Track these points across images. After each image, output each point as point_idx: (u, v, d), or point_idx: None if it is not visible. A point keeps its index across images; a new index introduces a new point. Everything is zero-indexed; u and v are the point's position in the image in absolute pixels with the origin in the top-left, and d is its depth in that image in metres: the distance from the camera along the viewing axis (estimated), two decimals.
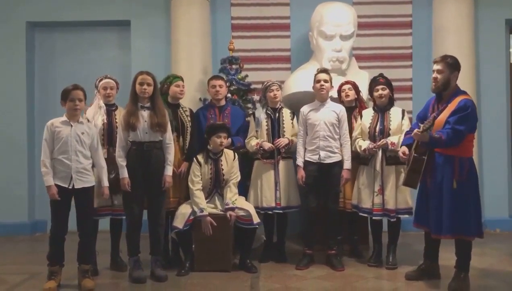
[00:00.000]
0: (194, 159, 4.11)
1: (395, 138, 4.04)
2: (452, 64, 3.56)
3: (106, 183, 3.78)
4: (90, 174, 3.70)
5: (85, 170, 3.66)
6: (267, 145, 4.31)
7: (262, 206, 4.31)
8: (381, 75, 4.27)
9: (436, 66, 3.59)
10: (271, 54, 5.81)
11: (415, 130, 3.47)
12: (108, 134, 4.01)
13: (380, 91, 4.16)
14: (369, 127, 4.19)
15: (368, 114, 4.28)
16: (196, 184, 4.06)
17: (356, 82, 4.58)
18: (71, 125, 3.65)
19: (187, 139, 4.24)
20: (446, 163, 3.49)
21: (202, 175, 4.10)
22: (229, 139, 4.29)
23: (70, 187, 3.59)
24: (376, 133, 4.13)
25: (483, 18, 5.81)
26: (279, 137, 4.35)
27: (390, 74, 5.40)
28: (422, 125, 3.42)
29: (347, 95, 4.46)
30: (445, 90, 3.58)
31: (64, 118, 3.68)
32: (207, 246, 4.02)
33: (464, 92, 3.59)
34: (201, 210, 3.98)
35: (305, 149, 4.23)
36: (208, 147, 4.11)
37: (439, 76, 3.56)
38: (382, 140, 4.06)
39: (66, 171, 3.60)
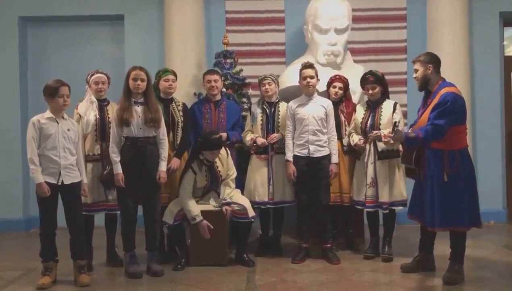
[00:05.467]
0: (190, 168, 4.04)
1: (388, 131, 4.01)
2: (425, 60, 3.68)
3: (86, 180, 3.77)
4: (76, 169, 3.69)
5: (72, 165, 3.66)
6: (260, 141, 4.31)
7: (255, 200, 4.31)
8: (370, 72, 4.26)
9: (414, 67, 3.75)
10: (266, 48, 5.79)
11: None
12: (101, 130, 3.99)
13: (370, 91, 4.19)
14: (361, 122, 4.22)
15: (361, 108, 4.30)
16: (187, 193, 4.01)
17: (351, 76, 4.58)
18: (57, 122, 3.62)
19: (178, 134, 4.20)
20: (435, 157, 3.53)
21: (197, 181, 4.06)
22: (225, 134, 4.28)
23: (59, 183, 3.58)
24: (367, 128, 4.15)
25: (477, 11, 5.81)
26: (273, 132, 4.34)
27: (385, 67, 5.46)
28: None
29: (336, 93, 4.44)
30: (427, 85, 3.68)
31: (49, 114, 3.64)
32: (203, 241, 4.02)
33: (449, 85, 3.62)
34: (194, 218, 3.95)
35: (294, 143, 4.22)
36: (200, 156, 4.05)
37: (416, 75, 3.71)
38: (375, 132, 4.05)
39: (55, 167, 3.58)
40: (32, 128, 3.59)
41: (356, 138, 4.22)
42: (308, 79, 4.17)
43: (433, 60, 3.68)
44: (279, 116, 4.38)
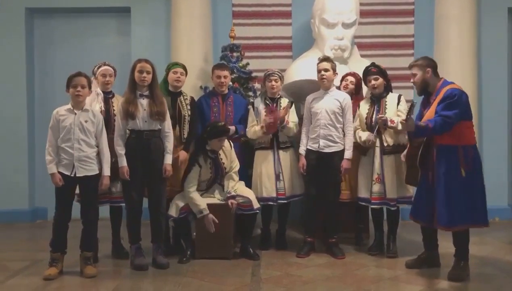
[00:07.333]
0: (195, 162, 4.05)
1: (395, 117, 3.95)
2: (422, 65, 3.65)
3: (107, 172, 3.74)
4: (94, 163, 3.67)
5: (88, 158, 3.64)
6: (267, 120, 4.19)
7: (262, 196, 4.30)
8: (372, 64, 4.23)
9: (411, 71, 3.71)
10: (273, 42, 5.78)
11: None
12: (106, 122, 3.95)
13: (373, 82, 4.14)
14: (366, 118, 4.18)
15: (365, 104, 4.27)
16: (192, 186, 4.02)
17: (357, 71, 4.55)
18: (75, 113, 3.63)
19: (185, 128, 4.21)
20: (450, 153, 3.50)
21: (202, 174, 4.07)
22: (233, 127, 4.29)
23: (72, 175, 3.60)
24: (373, 123, 4.11)
25: (486, 6, 5.79)
26: (277, 127, 4.31)
27: (392, 62, 5.46)
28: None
29: (346, 86, 4.44)
30: (427, 89, 3.66)
31: (69, 106, 3.66)
32: (208, 234, 4.03)
33: (451, 83, 3.61)
34: (201, 212, 3.97)
35: (308, 137, 4.22)
36: (207, 146, 4.06)
37: (414, 79, 3.68)
38: (381, 115, 3.97)
39: (69, 159, 3.59)
40: (51, 119, 3.64)
41: (364, 135, 4.14)
42: (323, 72, 4.14)
43: (431, 64, 3.66)
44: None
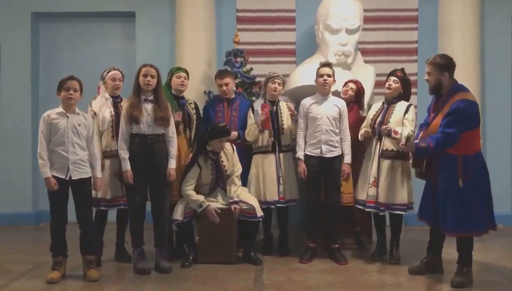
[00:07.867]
0: (195, 163, 4.07)
1: (400, 128, 3.95)
2: (440, 65, 3.54)
3: (99, 174, 3.77)
4: (87, 165, 3.70)
5: (82, 161, 3.66)
6: (263, 114, 4.22)
7: (265, 200, 4.30)
8: (402, 69, 4.20)
9: (426, 69, 3.61)
10: (276, 47, 5.80)
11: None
12: (117, 126, 3.97)
13: (390, 82, 4.12)
14: (372, 119, 4.18)
15: (375, 106, 4.28)
16: (190, 185, 4.03)
17: (361, 76, 4.56)
18: (68, 117, 3.64)
19: (193, 131, 4.25)
20: (449, 163, 3.49)
21: (203, 176, 4.08)
22: (236, 132, 4.31)
23: (67, 178, 3.60)
24: (376, 125, 4.11)
25: (489, 13, 5.78)
26: (278, 130, 4.32)
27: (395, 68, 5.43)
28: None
29: (345, 92, 4.45)
30: (439, 90, 3.59)
31: (60, 109, 3.66)
32: (211, 238, 4.04)
33: (462, 89, 3.55)
34: (200, 205, 3.98)
35: (306, 142, 4.22)
36: (207, 147, 4.08)
37: (429, 78, 3.60)
38: (386, 126, 3.96)
39: (63, 162, 3.60)
40: (42, 123, 3.63)
41: (363, 130, 4.18)
42: (325, 77, 4.15)
43: (449, 66, 3.55)
44: (282, 114, 4.37)
